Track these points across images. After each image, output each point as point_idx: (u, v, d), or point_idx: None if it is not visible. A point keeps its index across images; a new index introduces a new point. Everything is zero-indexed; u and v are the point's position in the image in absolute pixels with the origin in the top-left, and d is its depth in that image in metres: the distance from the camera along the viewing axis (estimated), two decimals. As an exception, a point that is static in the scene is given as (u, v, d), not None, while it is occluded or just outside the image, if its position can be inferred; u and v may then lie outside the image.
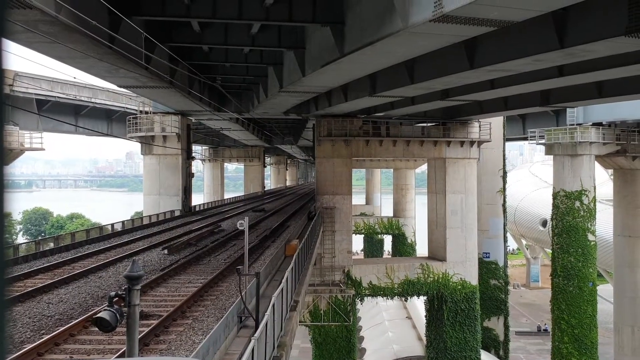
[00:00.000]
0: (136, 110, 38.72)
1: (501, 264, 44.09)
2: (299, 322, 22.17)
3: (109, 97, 45.45)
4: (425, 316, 40.66)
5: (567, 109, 38.70)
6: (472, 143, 38.32)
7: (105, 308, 5.61)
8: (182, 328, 12.08)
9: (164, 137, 37.06)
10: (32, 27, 13.11)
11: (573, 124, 39.37)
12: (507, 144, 45.89)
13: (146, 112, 37.56)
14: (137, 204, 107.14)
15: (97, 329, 6.27)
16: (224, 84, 31.45)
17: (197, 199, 55.54)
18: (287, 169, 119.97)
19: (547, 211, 48.79)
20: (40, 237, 57.40)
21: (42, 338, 10.56)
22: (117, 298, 5.80)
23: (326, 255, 36.22)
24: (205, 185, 76.71)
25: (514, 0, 10.46)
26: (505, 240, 45.18)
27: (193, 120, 40.70)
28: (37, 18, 12.75)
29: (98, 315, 5.57)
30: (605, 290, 56.73)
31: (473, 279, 38.47)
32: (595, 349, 38.97)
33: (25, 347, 9.70)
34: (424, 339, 42.25)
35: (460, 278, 37.91)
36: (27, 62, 15.45)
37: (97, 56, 16.72)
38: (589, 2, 11.51)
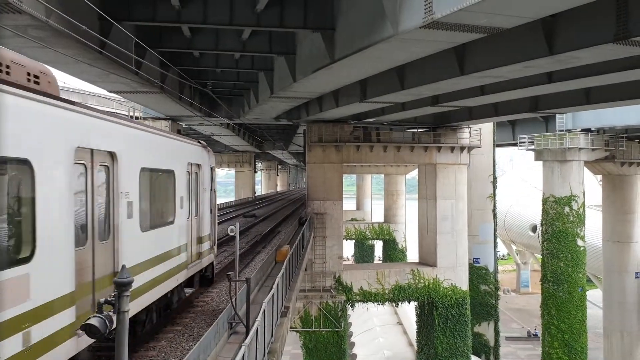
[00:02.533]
0: (126, 115, 38.55)
1: (491, 269, 44.21)
2: (290, 328, 22.10)
3: (99, 102, 45.24)
4: (416, 322, 40.68)
5: (556, 115, 38.97)
6: (462, 149, 38.47)
7: (95, 315, 5.56)
8: (172, 335, 12.01)
9: (155, 142, 36.83)
10: (22, 32, 13.04)
11: (562, 130, 39.63)
12: (497, 149, 46.10)
13: (136, 118, 37.42)
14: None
15: None
16: (214, 90, 31.41)
17: (188, 205, 55.03)
18: (277, 175, 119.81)
19: (536, 217, 49.01)
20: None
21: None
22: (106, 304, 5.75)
23: (317, 261, 36.17)
24: (196, 190, 76.29)
25: (502, 7, 10.53)
26: (495, 246, 45.33)
27: (184, 126, 40.59)
28: (27, 23, 12.68)
29: (87, 321, 5.52)
30: (594, 296, 57.06)
31: (463, 285, 38.54)
32: (585, 354, 39.12)
33: None
34: (415, 344, 42.27)
35: (451, 283, 37.98)
36: (17, 67, 15.25)
37: (87, 61, 16.64)
38: (577, 9, 11.61)
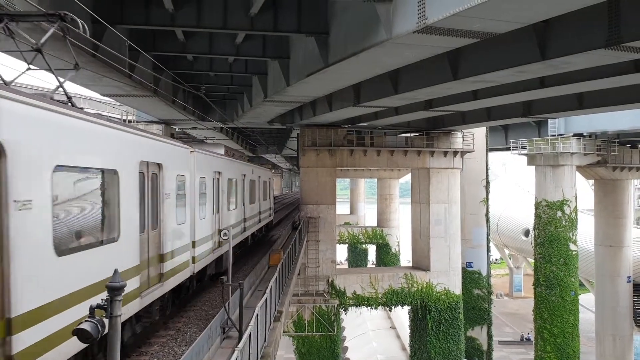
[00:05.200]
0: (119, 119, 38.40)
1: (484, 273, 44.29)
2: (283, 332, 22.05)
3: (91, 105, 45.05)
4: (409, 326, 40.68)
5: (549, 120, 39.15)
6: (455, 153, 38.57)
7: (87, 319, 5.54)
8: (165, 339, 11.96)
9: (148, 146, 36.70)
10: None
11: (554, 135, 39.82)
12: (490, 154, 46.24)
13: (129, 121, 37.29)
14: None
15: None
16: (208, 93, 31.37)
17: (181, 209, 54.79)
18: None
19: (529, 221, 49.17)
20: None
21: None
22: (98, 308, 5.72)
23: (310, 265, 36.13)
24: (189, 194, 76.00)
25: (495, 12, 10.58)
26: (488, 250, 45.41)
27: (177, 129, 40.50)
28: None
29: (79, 326, 5.49)
30: (586, 300, 57.24)
31: (456, 289, 38.58)
32: (578, 358, 39.21)
33: None
34: (408, 348, 42.26)
35: (444, 288, 38.01)
36: (9, 70, 15.43)
37: (80, 64, 16.57)
38: (570, 14, 11.68)
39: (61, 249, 7.05)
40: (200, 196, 14.89)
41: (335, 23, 16.56)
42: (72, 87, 37.57)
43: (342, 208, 71.04)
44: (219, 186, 17.34)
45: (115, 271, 5.72)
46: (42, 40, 8.53)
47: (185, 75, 26.59)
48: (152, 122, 36.53)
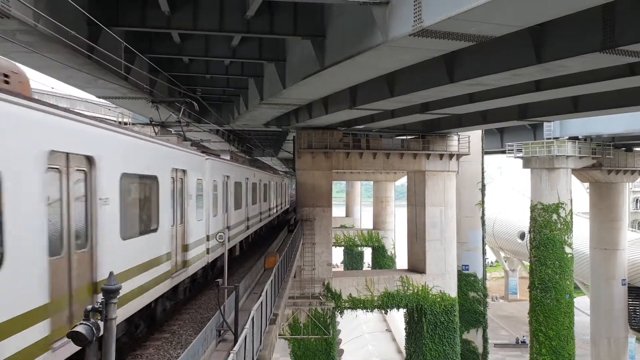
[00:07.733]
0: (115, 121, 38.29)
1: (480, 276, 44.32)
2: (279, 335, 22.01)
3: (87, 107, 44.95)
4: (405, 329, 40.67)
5: (544, 123, 39.26)
6: (451, 156, 38.62)
7: (82, 322, 5.51)
8: (160, 342, 11.92)
9: (143, 148, 36.63)
10: (10, 36, 12.94)
11: (550, 138, 39.92)
12: (486, 157, 46.32)
13: (125, 123, 37.17)
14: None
15: None
16: (204, 96, 31.31)
17: (176, 211, 54.69)
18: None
19: (524, 224, 49.25)
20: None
21: None
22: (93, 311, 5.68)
23: (306, 267, 36.09)
24: (185, 197, 75.81)
25: (491, 16, 10.59)
26: (484, 253, 45.44)
27: (173, 132, 40.38)
28: (15, 27, 12.58)
29: (74, 329, 5.46)
30: (582, 303, 57.34)
31: (452, 292, 38.60)
32: (573, 360, 39.30)
33: None
34: (404, 351, 42.24)
35: (440, 290, 38.02)
36: (4, 71, 15.18)
37: (75, 66, 16.54)
38: (565, 18, 11.72)
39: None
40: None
41: (332, 26, 16.57)
42: (66, 89, 37.48)
43: (338, 211, 71.04)
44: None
45: (111, 274, 5.69)
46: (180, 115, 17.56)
47: (181, 78, 26.55)
48: (148, 124, 36.43)
